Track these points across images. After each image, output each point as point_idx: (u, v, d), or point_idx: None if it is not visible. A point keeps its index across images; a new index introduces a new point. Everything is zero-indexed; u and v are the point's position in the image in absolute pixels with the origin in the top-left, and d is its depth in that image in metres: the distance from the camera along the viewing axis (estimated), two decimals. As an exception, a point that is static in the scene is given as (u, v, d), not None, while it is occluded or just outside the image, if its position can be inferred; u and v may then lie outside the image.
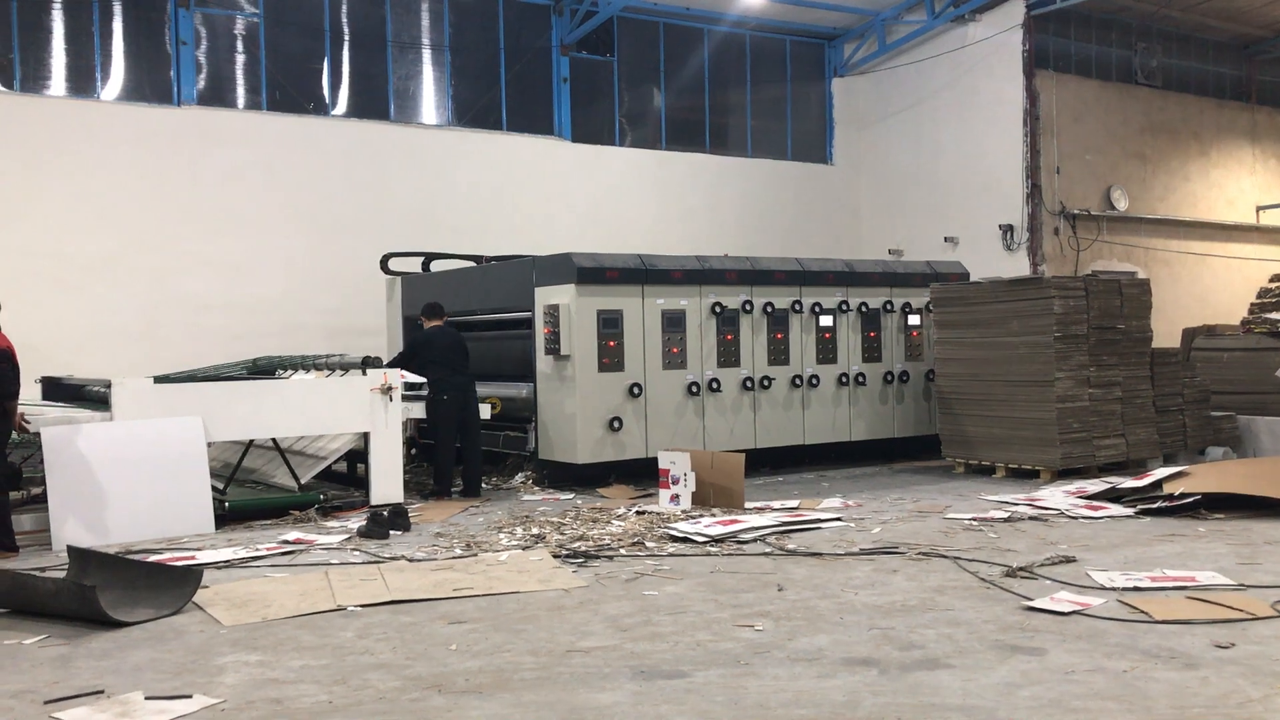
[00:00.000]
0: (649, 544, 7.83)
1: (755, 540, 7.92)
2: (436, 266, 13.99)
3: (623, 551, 7.63)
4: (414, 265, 14.04)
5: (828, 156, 20.35)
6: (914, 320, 12.64)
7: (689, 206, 18.62)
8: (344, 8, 16.33)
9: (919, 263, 13.07)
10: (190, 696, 4.69)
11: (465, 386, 10.46)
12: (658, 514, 8.98)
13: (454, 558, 7.59)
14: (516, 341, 11.66)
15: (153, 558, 7.70)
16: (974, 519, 8.66)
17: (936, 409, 12.07)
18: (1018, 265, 17.37)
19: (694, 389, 11.13)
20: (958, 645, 5.23)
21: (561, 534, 8.28)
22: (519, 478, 11.49)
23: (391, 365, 10.32)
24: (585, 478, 10.83)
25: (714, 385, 11.21)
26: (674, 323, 11.06)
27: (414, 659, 5.23)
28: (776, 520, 8.42)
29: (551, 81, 17.95)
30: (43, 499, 8.97)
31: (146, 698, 4.67)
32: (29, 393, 9.71)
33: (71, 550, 6.63)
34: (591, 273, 10.65)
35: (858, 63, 20.10)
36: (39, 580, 6.11)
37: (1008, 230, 17.64)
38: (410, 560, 7.54)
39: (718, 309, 11.30)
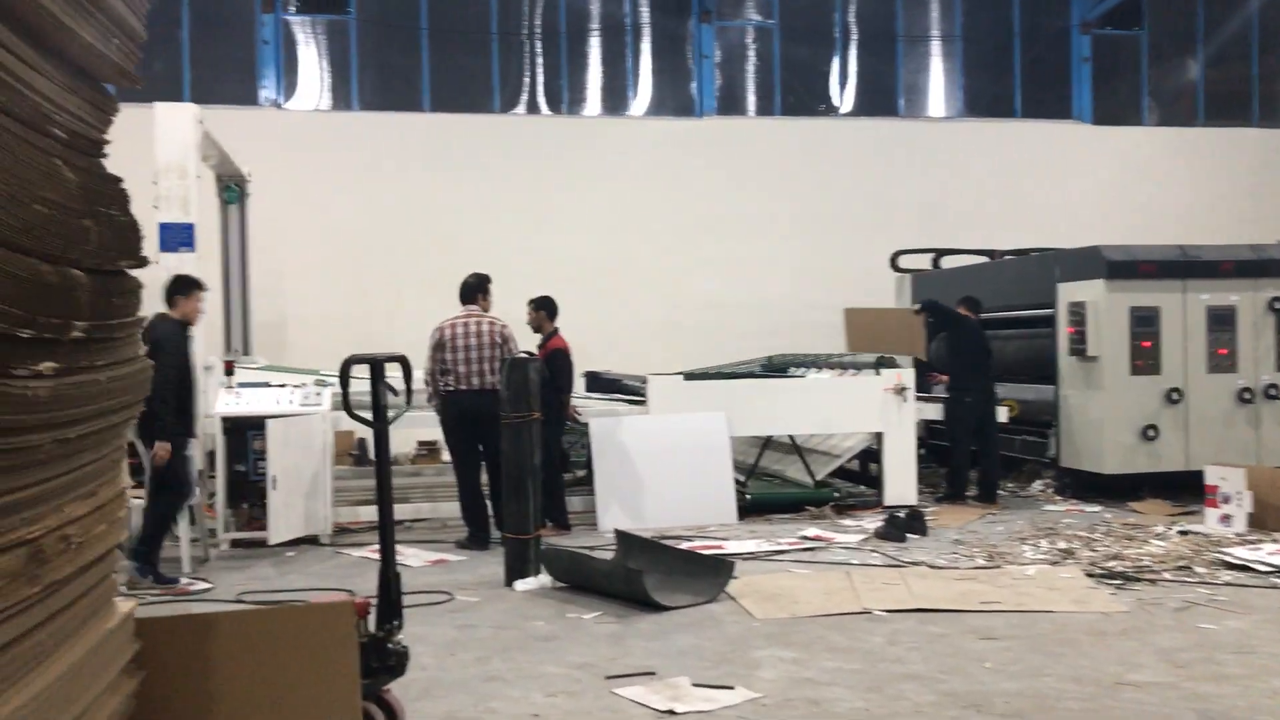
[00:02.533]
0: (1198, 569, 7.07)
1: (1333, 574, 6.88)
2: (947, 263, 13.66)
3: (1167, 576, 6.94)
4: (923, 262, 13.81)
5: None
6: None
7: (1229, 189, 16.67)
8: (853, 8, 16.45)
9: None
10: (733, 688, 4.88)
11: (988, 388, 10.12)
12: (1204, 535, 8.09)
13: (976, 568, 7.32)
14: (1035, 341, 11.06)
15: (685, 545, 8.21)
16: None
17: None
18: None
19: (1246, 396, 9.92)
20: None
21: (1092, 551, 7.71)
22: (1037, 485, 10.91)
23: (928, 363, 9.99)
24: (1112, 489, 10.03)
25: (1271, 392, 9.92)
26: (1221, 321, 9.93)
27: (947, 673, 5.09)
28: (1360, 552, 7.25)
29: (1069, 62, 16.89)
30: (587, 481, 9.89)
31: (693, 684, 4.93)
32: (576, 386, 10.79)
33: (619, 534, 7.22)
34: (1123, 266, 9.84)
35: None
36: (594, 561, 6.71)
37: None
38: (931, 567, 7.38)
39: (1277, 305, 9.98)
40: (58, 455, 2.40)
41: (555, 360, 8.96)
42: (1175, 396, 9.82)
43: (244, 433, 8.62)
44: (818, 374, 11.84)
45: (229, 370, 9.02)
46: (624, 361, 14.27)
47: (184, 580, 7.30)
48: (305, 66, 15.23)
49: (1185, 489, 9.95)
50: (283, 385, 9.04)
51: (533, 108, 15.74)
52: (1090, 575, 6.93)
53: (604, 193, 15.49)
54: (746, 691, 4.85)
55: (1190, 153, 16.81)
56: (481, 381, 8.32)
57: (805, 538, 8.49)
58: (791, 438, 10.30)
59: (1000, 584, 6.79)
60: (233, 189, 11.84)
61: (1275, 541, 7.76)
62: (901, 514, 8.72)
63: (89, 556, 2.65)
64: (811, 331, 15.50)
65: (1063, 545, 7.94)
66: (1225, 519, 8.32)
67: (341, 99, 15.33)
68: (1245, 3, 17.08)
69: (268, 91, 15.08)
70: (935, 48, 16.75)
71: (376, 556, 8.11)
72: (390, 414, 4.24)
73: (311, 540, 8.61)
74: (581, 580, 6.78)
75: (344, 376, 3.96)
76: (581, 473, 10.72)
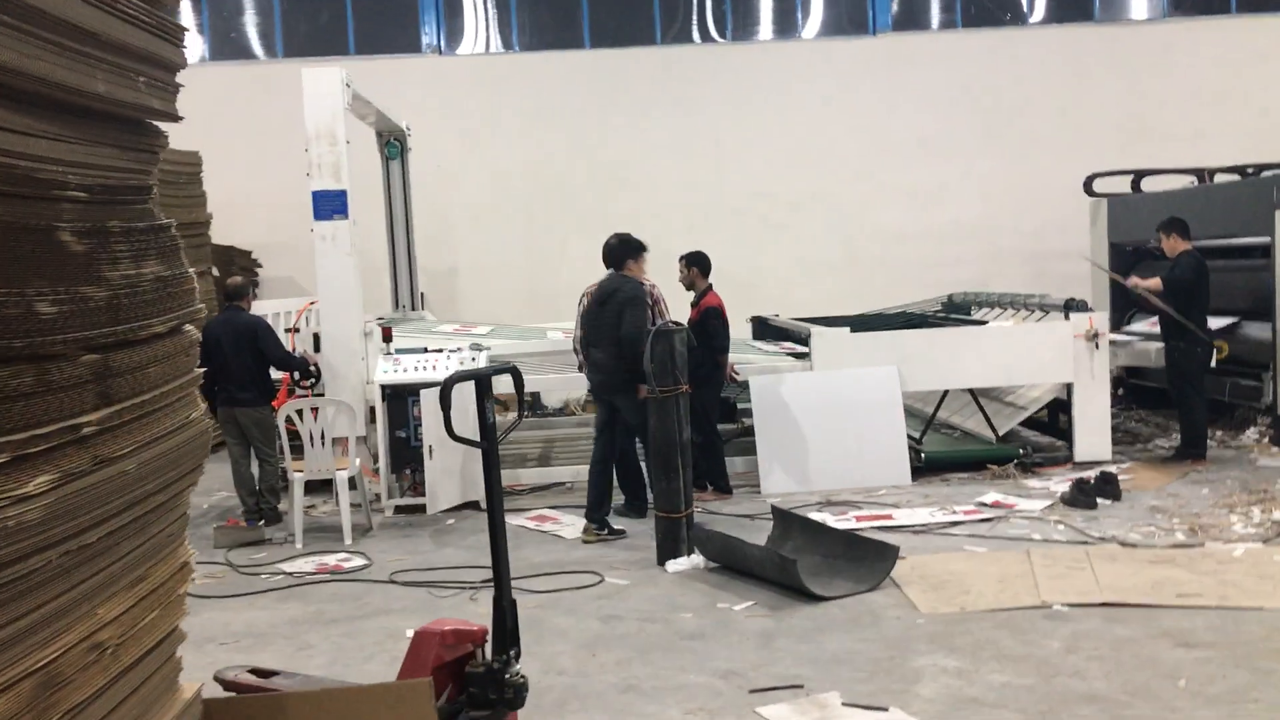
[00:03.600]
0: None
1: None
2: (1148, 185, 12.46)
3: (1406, 560, 6.09)
4: (1122, 185, 12.63)
5: None
6: None
7: None
8: (1045, -99, 15.06)
9: None
10: (886, 709, 4.48)
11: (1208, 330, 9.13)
12: None
13: (1175, 545, 6.61)
14: (1248, 273, 9.94)
15: (852, 514, 7.77)
16: None
17: None
18: None
19: None
20: None
21: (1316, 525, 6.86)
22: (1250, 434, 9.88)
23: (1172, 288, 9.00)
24: (1342, 440, 8.98)
25: None
26: None
27: (1133, 695, 4.53)
28: None
29: (1295, -54, 15.04)
30: (750, 434, 9.51)
31: (844, 704, 4.55)
32: (740, 331, 10.36)
33: (776, 512, 6.84)
34: (1354, 191, 8.66)
35: None
36: (747, 547, 6.36)
37: None
38: (1123, 544, 6.71)
39: None
40: (76, 564, 2.19)
41: (709, 319, 8.55)
42: None
43: (404, 399, 8.62)
44: (1000, 315, 11.09)
45: (387, 337, 9.00)
46: (802, 301, 13.72)
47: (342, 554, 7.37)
48: (465, 10, 15.05)
49: None
50: (440, 350, 8.96)
51: (698, 36, 15.13)
52: (1311, 559, 6.14)
53: (776, 122, 14.83)
54: (902, 714, 4.43)
55: None
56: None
57: (984, 504, 7.89)
58: (971, 390, 9.62)
59: (1201, 569, 6.09)
60: (394, 144, 11.84)
61: None
62: (1091, 479, 7.99)
63: (137, 652, 2.46)
64: (1002, 260, 14.57)
65: (1278, 516, 7.10)
66: None
67: (502, 42, 15.10)
68: None
69: (429, 38, 15.00)
70: (1140, -62, 15.20)
71: (535, 525, 8.07)
72: (501, 432, 3.95)
73: (473, 505, 8.57)
74: (734, 563, 6.45)
75: (445, 397, 3.67)
76: (749, 421, 10.36)
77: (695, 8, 15.10)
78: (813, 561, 6.26)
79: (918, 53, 14.94)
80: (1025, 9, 15.16)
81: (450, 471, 8.38)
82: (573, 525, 7.97)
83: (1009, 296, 11.14)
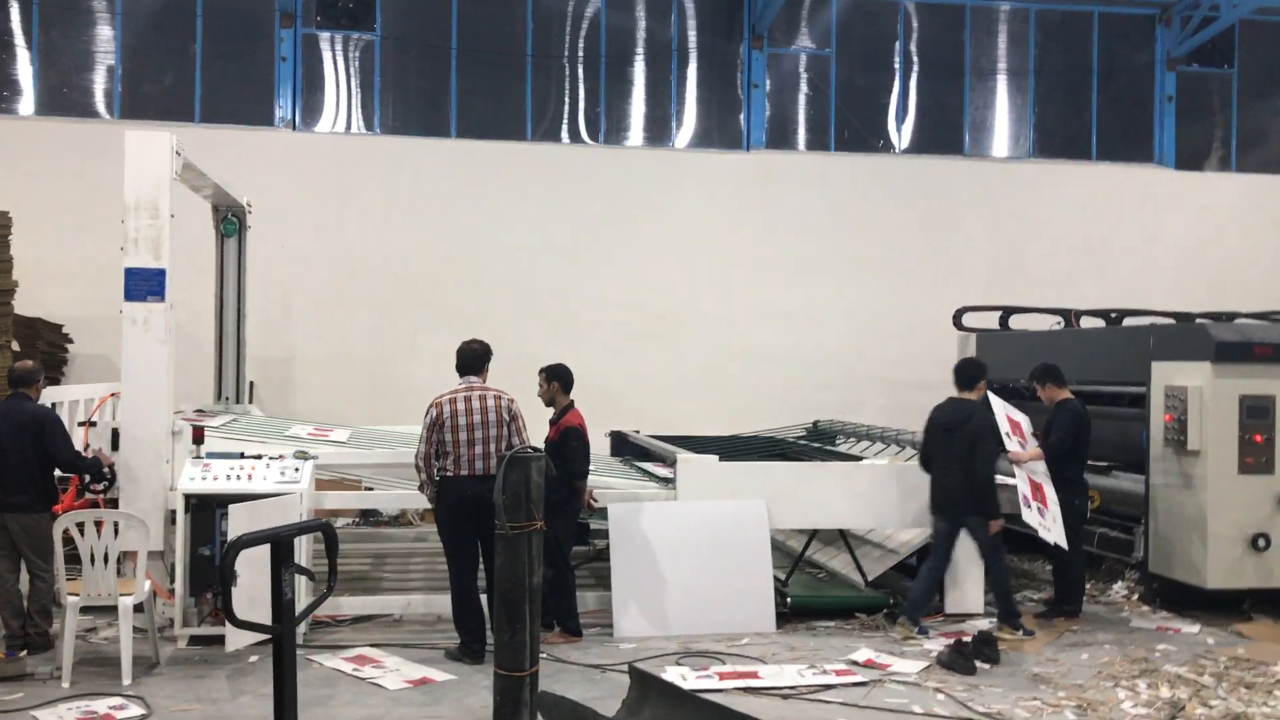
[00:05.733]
0: (1348, 749, 5.74)
1: None
2: (1016, 323, 12.34)
3: (1310, 757, 5.62)
4: (991, 320, 12.47)
5: None
6: None
7: (1325, 244, 15.24)
8: (915, 37, 15.20)
9: None
10: None
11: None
12: (1340, 686, 6.75)
13: (1067, 729, 6.03)
14: (1121, 423, 9.72)
15: (714, 669, 7.00)
16: None
17: None
18: None
19: (1375, 502, 8.52)
20: None
21: (1207, 706, 6.38)
22: (1118, 588, 9.55)
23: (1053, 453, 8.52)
24: (1210, 603, 8.67)
25: (1403, 499, 8.53)
26: (1348, 414, 8.55)
27: None
28: None
29: (1153, 101, 15.54)
30: (603, 558, 8.71)
31: None
32: (598, 445, 9.57)
33: (634, 673, 5.99)
34: (1234, 348, 8.49)
35: None
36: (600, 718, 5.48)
37: None
38: (1011, 725, 6.10)
39: None
40: None
41: (569, 440, 7.76)
42: (1291, 501, 8.45)
43: (212, 510, 7.50)
44: (869, 448, 10.63)
45: (198, 438, 7.89)
46: (662, 417, 13.10)
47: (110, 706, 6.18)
48: (326, 86, 14.19)
49: (1295, 604, 8.63)
50: (258, 456, 7.89)
51: (569, 136, 14.60)
52: (1212, 752, 5.62)
53: (644, 230, 14.33)
54: None
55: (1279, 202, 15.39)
56: (486, 465, 7.16)
57: (856, 663, 7.21)
58: (841, 529, 9.02)
59: (1101, 761, 5.49)
60: (231, 220, 10.80)
61: None
62: (968, 637, 7.42)
63: None
64: (865, 388, 14.27)
65: (1166, 693, 6.62)
66: (1362, 663, 6.96)
67: (363, 121, 14.27)
68: (1348, 42, 15.66)
69: (284, 112, 14.05)
70: (1003, 82, 15.45)
71: (353, 669, 7.00)
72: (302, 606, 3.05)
73: (284, 637, 7.43)
74: (584, 735, 5.57)
75: (225, 570, 2.77)
76: (602, 543, 9.54)
77: (567, 107, 14.59)
78: (674, 737, 5.43)
79: (790, 173, 14.74)
80: (895, 138, 15.16)
81: (257, 600, 7.26)
82: (396, 669, 6.95)
83: (877, 430, 10.71)
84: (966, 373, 8.48)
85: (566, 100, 14.60)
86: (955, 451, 8.06)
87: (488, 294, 13.75)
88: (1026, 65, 15.43)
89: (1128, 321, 11.41)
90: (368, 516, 12.31)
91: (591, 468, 8.10)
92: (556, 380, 8.01)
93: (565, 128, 14.62)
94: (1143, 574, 9.23)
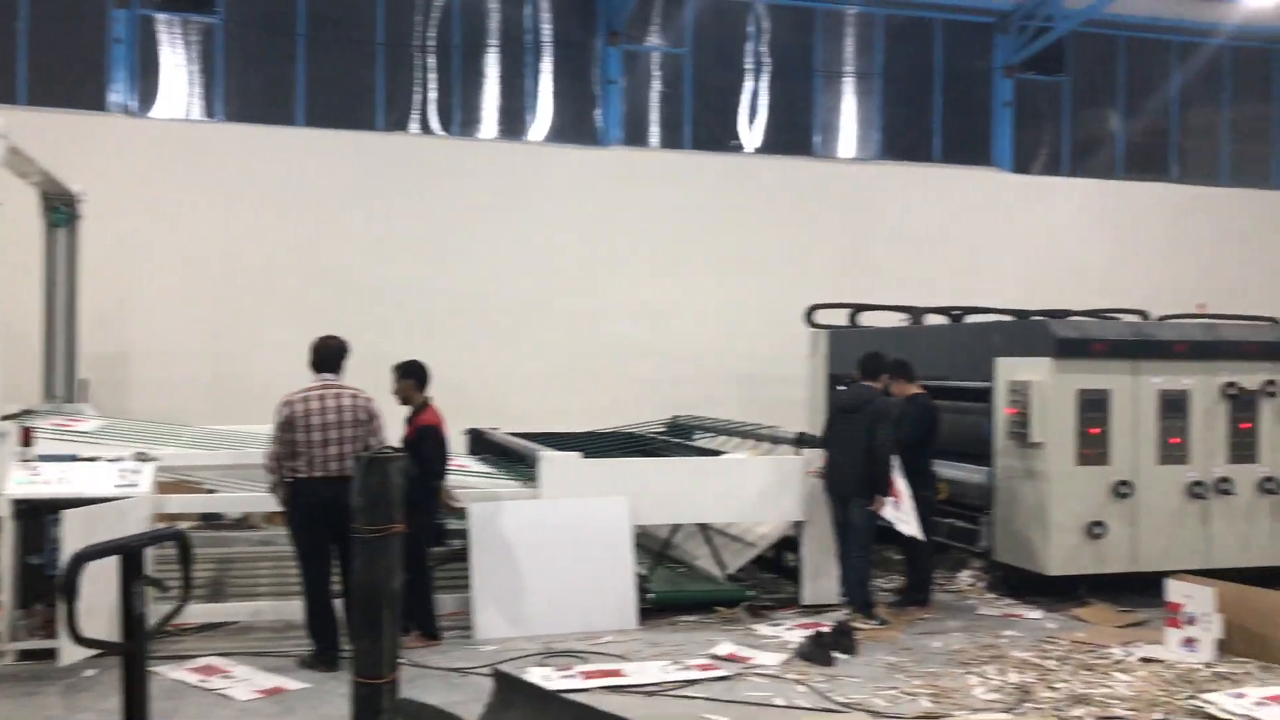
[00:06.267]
0: (1180, 725, 6.04)
1: (1334, 735, 5.91)
2: (865, 320, 12.63)
3: (1150, 735, 5.89)
4: (841, 317, 12.74)
5: (1326, 186, 17.04)
6: None
7: (1149, 245, 16.14)
8: (767, 39, 15.42)
9: None
10: None
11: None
12: (1170, 664, 7.10)
13: (924, 717, 6.16)
14: (968, 417, 10.05)
15: (577, 669, 6.93)
16: None
17: None
18: None
19: (1197, 490, 9.03)
20: None
21: (1053, 690, 6.62)
22: (965, 576, 9.87)
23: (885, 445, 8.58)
24: (1050, 587, 9.05)
25: (1223, 486, 9.05)
26: (1174, 407, 9.03)
27: None
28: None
29: (991, 107, 16.16)
30: (460, 559, 8.54)
31: None
32: (456, 442, 9.36)
33: (498, 677, 5.86)
34: (1073, 345, 8.87)
35: (1372, 72, 16.64)
36: (464, 725, 5.34)
37: None
38: (871, 714, 6.20)
39: (1231, 391, 9.13)
40: None
41: (425, 440, 7.55)
42: (1124, 490, 8.88)
43: (41, 517, 7.04)
44: (727, 443, 10.73)
45: (26, 440, 7.40)
46: (520, 412, 12.96)
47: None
48: (164, 71, 13.54)
49: (1125, 586, 9.07)
50: (94, 459, 7.45)
51: (422, 127, 14.29)
52: (1059, 733, 5.84)
53: (500, 224, 14.15)
54: None
55: (1110, 206, 16.22)
56: (341, 466, 6.91)
57: (718, 658, 7.25)
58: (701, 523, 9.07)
59: (957, 747, 5.64)
60: (61, 210, 10.19)
61: (1251, 676, 6.82)
62: (826, 628, 7.55)
63: None
64: (721, 383, 14.41)
65: (1014, 678, 6.85)
66: (1189, 643, 7.34)
67: (205, 108, 13.67)
68: (1165, 55, 16.60)
69: (119, 96, 13.35)
70: (851, 85, 15.83)
71: (199, 679, 6.68)
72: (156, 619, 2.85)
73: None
74: (446, 742, 5.41)
75: (70, 583, 2.56)
76: (459, 544, 9.35)
77: (420, 97, 14.28)
78: (540, 740, 5.34)
79: (647, 170, 14.77)
80: (748, 137, 15.35)
81: (95, 611, 6.84)
82: (246, 678, 6.66)
83: (735, 424, 10.82)
84: (871, 364, 8.73)
85: (419, 90, 14.30)
86: (855, 432, 8.29)
87: (337, 288, 13.35)
88: (874, 69, 15.83)
89: (970, 319, 11.83)
90: (209, 520, 11.79)
91: (450, 466, 7.92)
92: (411, 377, 7.80)
93: (417, 118, 14.32)
94: (988, 562, 9.58)
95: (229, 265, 13.24)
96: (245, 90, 13.81)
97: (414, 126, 14.25)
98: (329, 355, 7.20)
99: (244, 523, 11.94)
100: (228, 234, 13.27)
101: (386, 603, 5.65)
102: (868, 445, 8.19)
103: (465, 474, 8.79)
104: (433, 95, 14.33)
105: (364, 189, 13.72)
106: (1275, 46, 16.84)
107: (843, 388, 8.84)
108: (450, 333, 13.58)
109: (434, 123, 14.33)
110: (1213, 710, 6.18)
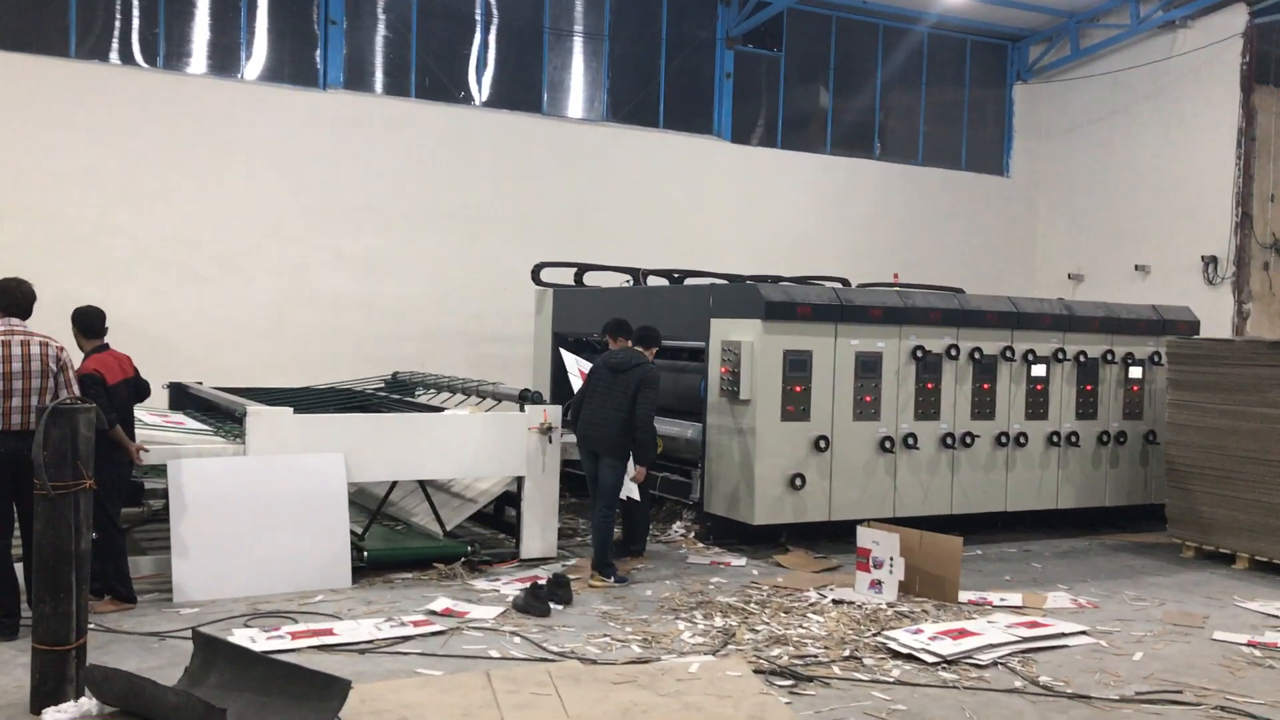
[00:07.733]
0: (866, 660, 6.51)
1: (994, 664, 6.54)
2: (590, 279, 12.80)
3: (836, 670, 6.32)
4: (566, 276, 12.85)
5: (1004, 168, 18.66)
6: (1135, 373, 11.03)
7: (852, 216, 17.18)
8: (497, -11, 15.24)
9: (1144, 307, 11.42)
10: None
11: None
12: (859, 605, 7.66)
13: (634, 663, 6.36)
14: (683, 375, 10.42)
15: (286, 629, 6.70)
16: (1252, 644, 7.14)
17: (1161, 478, 10.51)
18: (1220, 301, 15.58)
19: (887, 444, 9.75)
20: None
21: (754, 631, 7.00)
22: (677, 527, 10.27)
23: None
24: (755, 536, 9.56)
25: (910, 440, 9.82)
26: (869, 367, 9.69)
27: None
28: (1013, 635, 6.99)
29: (714, 77, 16.63)
30: (160, 520, 8.09)
31: None
32: (157, 398, 8.78)
33: (197, 637, 5.58)
34: (781, 308, 9.34)
35: (1044, 68, 18.34)
36: (158, 690, 5.04)
37: (1210, 262, 15.84)
38: (583, 661, 6.34)
39: (919, 353, 9.89)
40: None
41: (85, 389, 6.88)
42: (823, 444, 9.47)
43: None
44: (450, 400, 10.63)
45: None
46: (227, 365, 12.41)
47: None
48: None
49: (821, 534, 9.71)
50: None
51: (121, 58, 13.20)
52: (759, 672, 6.17)
53: (206, 166, 13.29)
54: None
55: (819, 178, 17.10)
56: (25, 420, 6.32)
57: (434, 613, 7.20)
58: (420, 481, 8.95)
59: (664, 689, 5.85)
60: None
61: (928, 615, 7.46)
62: (543, 583, 7.64)
63: None
64: (443, 339, 14.23)
65: (719, 622, 7.19)
66: (876, 585, 7.95)
67: None
68: (873, 39, 17.63)
69: None
70: (579, 44, 15.89)
71: None
72: None
73: None
74: (142, 710, 5.10)
75: None
76: (159, 504, 8.83)
77: (120, 24, 13.18)
78: (244, 702, 5.13)
79: (368, 115, 14.27)
80: (476, 90, 15.15)
81: None
82: (-93, 654, 6.03)
83: (459, 381, 10.73)
84: (646, 334, 8.97)
85: (119, 16, 13.18)
86: (617, 392, 8.42)
87: (19, 227, 12.19)
88: (602, 30, 15.95)
89: (689, 281, 12.23)
90: None
91: (148, 421, 7.42)
92: (75, 324, 7.27)
93: (117, 47, 13.20)
94: (699, 514, 9.99)
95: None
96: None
97: (113, 56, 13.15)
98: (18, 298, 6.55)
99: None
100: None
101: (74, 564, 5.26)
102: (630, 411, 8.34)
103: (165, 429, 8.26)
104: (135, 23, 13.25)
105: (53, 120, 12.50)
106: (968, 37, 18.23)
107: (613, 349, 8.89)
108: (151, 281, 12.75)
109: (136, 54, 13.26)
110: (894, 645, 6.71)
